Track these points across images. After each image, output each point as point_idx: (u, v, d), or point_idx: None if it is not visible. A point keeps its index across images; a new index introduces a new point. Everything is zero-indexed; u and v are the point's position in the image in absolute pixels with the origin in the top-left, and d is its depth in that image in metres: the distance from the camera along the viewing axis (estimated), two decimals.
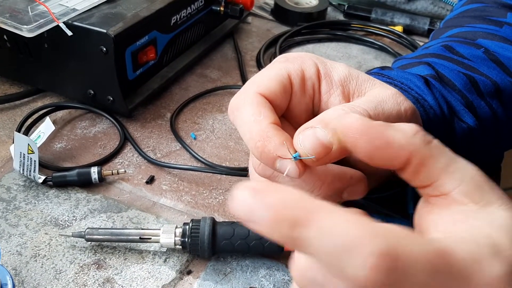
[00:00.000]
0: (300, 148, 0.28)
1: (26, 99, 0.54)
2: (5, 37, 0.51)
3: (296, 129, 0.30)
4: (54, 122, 0.51)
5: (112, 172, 0.44)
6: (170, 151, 0.49)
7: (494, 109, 0.43)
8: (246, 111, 0.30)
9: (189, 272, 0.37)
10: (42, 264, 0.37)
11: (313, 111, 0.35)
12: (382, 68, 0.44)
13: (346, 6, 0.76)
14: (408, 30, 0.73)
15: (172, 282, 0.36)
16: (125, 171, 0.45)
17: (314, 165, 0.30)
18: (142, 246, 0.39)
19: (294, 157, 0.28)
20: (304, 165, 0.28)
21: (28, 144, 0.41)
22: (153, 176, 0.45)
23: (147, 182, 0.45)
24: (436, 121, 0.37)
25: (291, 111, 0.34)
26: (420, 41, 0.70)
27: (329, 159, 0.28)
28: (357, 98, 0.33)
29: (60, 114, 0.53)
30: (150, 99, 0.55)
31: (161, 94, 0.57)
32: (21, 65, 0.53)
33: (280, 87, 0.32)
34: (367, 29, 0.71)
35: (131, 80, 0.52)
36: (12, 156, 0.43)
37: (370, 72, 0.44)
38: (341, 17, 0.77)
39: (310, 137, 0.28)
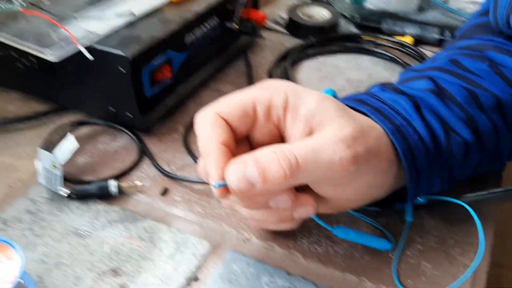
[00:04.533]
0: (227, 178, 0.34)
1: (52, 116, 0.58)
2: (31, 59, 0.56)
3: (254, 148, 0.35)
4: (78, 138, 0.55)
5: (130, 185, 0.48)
6: (184, 164, 0.52)
7: (495, 123, 0.44)
8: (203, 127, 0.36)
9: (196, 279, 0.40)
10: (64, 272, 0.40)
11: (281, 136, 0.38)
12: (384, 84, 0.46)
13: (358, 17, 0.78)
14: (418, 40, 0.74)
15: None
16: (141, 184, 0.48)
17: (241, 196, 0.35)
18: (155, 254, 0.42)
19: (215, 186, 0.34)
20: (227, 191, 0.34)
21: (52, 160, 0.45)
22: (167, 188, 0.49)
23: (161, 194, 0.48)
24: (419, 145, 0.39)
25: (255, 133, 0.38)
26: (430, 50, 0.71)
27: (254, 193, 0.34)
28: (317, 132, 0.36)
29: (84, 130, 0.57)
30: (167, 115, 0.58)
31: (178, 109, 0.60)
32: (47, 84, 0.58)
33: (240, 112, 0.37)
34: (377, 42, 0.73)
35: (149, 97, 0.55)
36: (38, 171, 0.47)
37: (369, 90, 0.46)
38: (353, 28, 0.79)
39: (239, 171, 0.33)
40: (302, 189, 0.38)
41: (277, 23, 0.80)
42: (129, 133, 0.55)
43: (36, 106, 0.60)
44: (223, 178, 0.34)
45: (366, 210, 0.46)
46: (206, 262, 0.41)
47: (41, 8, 0.55)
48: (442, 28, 0.74)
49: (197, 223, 0.45)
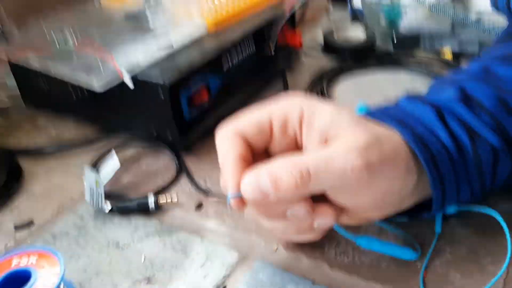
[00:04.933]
0: (242, 189, 0.35)
1: (102, 140, 0.63)
2: (84, 91, 0.61)
3: None
4: (124, 159, 0.59)
5: (166, 201, 0.51)
6: (219, 180, 0.54)
7: None
8: (221, 144, 0.39)
9: (224, 287, 0.42)
10: (102, 280, 0.43)
11: (299, 149, 0.40)
12: (411, 95, 0.46)
13: (395, 37, 0.78)
14: (458, 56, 0.73)
15: None
16: (177, 199, 0.51)
17: (256, 206, 0.37)
18: (186, 264, 0.44)
19: (228, 197, 0.37)
20: (243, 202, 0.36)
21: (96, 179, 0.49)
22: (202, 203, 0.51)
23: (196, 208, 0.51)
24: (443, 153, 0.39)
25: (273, 146, 0.40)
26: None
27: (268, 202, 0.35)
28: (333, 142, 0.37)
29: (129, 152, 0.61)
30: (206, 135, 0.61)
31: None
32: (98, 111, 0.63)
33: (257, 128, 0.39)
34: (416, 60, 0.73)
35: (188, 120, 0.59)
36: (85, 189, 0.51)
37: (396, 101, 0.47)
38: (390, 48, 0.79)
39: (252, 182, 0.35)
40: (323, 200, 0.39)
41: (312, 47, 0.82)
42: (170, 152, 0.59)
43: (88, 131, 0.65)
44: (239, 189, 0.36)
45: (395, 221, 0.46)
46: (234, 271, 0.43)
47: (92, 45, 0.61)
48: (481, 44, 0.73)
49: (228, 235, 0.47)
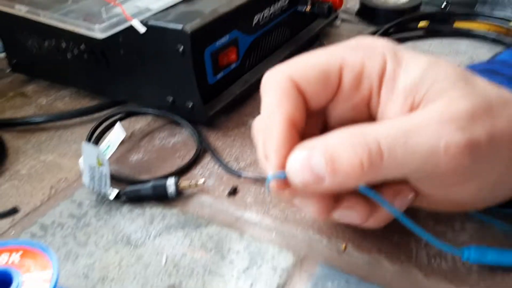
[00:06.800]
0: (288, 167, 0.25)
1: (105, 111, 0.51)
2: (81, 48, 0.49)
3: (332, 127, 0.27)
4: (132, 134, 0.47)
5: (189, 184, 0.39)
6: (255, 159, 0.43)
7: None
8: (268, 96, 0.28)
9: None
10: None
11: (370, 112, 0.29)
12: None
13: (445, 1, 0.66)
14: None
15: None
16: (204, 181, 0.39)
17: (304, 192, 0.27)
18: (224, 268, 0.32)
19: (268, 178, 0.26)
20: (285, 186, 0.26)
21: (98, 157, 0.37)
22: (236, 187, 0.39)
23: (229, 194, 0.39)
24: None
25: (336, 107, 0.29)
26: None
27: (321, 189, 0.25)
28: (422, 108, 0.25)
29: (138, 125, 0.49)
30: (232, 106, 0.50)
31: (244, 101, 0.51)
32: (99, 76, 0.51)
33: (321, 77, 0.28)
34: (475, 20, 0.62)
35: (212, 84, 0.47)
36: (83, 170, 0.39)
37: (496, 58, 0.35)
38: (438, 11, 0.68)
39: (302, 159, 0.25)
40: None
41: (346, 12, 0.70)
42: (190, 125, 0.47)
43: (90, 102, 0.53)
44: (283, 167, 0.25)
45: (500, 212, 0.34)
46: (290, 279, 0.32)
47: None
48: None
49: (276, 230, 0.35)
